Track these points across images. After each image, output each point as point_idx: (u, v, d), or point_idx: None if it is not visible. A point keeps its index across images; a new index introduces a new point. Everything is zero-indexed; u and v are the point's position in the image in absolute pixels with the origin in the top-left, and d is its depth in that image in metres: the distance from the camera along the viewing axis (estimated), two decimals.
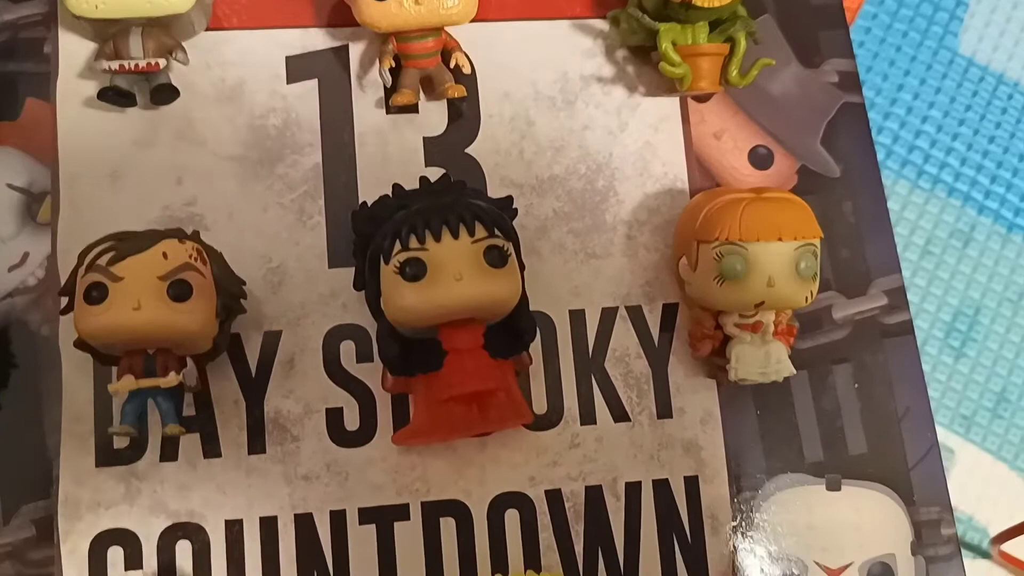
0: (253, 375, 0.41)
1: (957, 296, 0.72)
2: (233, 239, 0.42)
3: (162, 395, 0.38)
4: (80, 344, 0.38)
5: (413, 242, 0.37)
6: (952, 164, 0.72)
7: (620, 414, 0.43)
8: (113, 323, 0.36)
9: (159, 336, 0.37)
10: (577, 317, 0.44)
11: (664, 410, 0.44)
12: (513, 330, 0.40)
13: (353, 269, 0.41)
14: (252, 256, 0.42)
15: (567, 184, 0.45)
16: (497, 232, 0.38)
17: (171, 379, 0.37)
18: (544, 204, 0.45)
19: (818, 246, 0.41)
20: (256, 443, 0.41)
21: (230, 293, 0.39)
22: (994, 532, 0.68)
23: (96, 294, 0.36)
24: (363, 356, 0.42)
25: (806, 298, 0.41)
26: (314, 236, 0.43)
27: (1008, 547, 0.66)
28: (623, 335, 0.44)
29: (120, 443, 0.40)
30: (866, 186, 0.48)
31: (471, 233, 0.38)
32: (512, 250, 0.39)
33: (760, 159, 0.47)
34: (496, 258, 0.38)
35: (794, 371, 0.42)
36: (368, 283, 0.39)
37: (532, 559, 0.41)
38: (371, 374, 0.42)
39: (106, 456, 0.40)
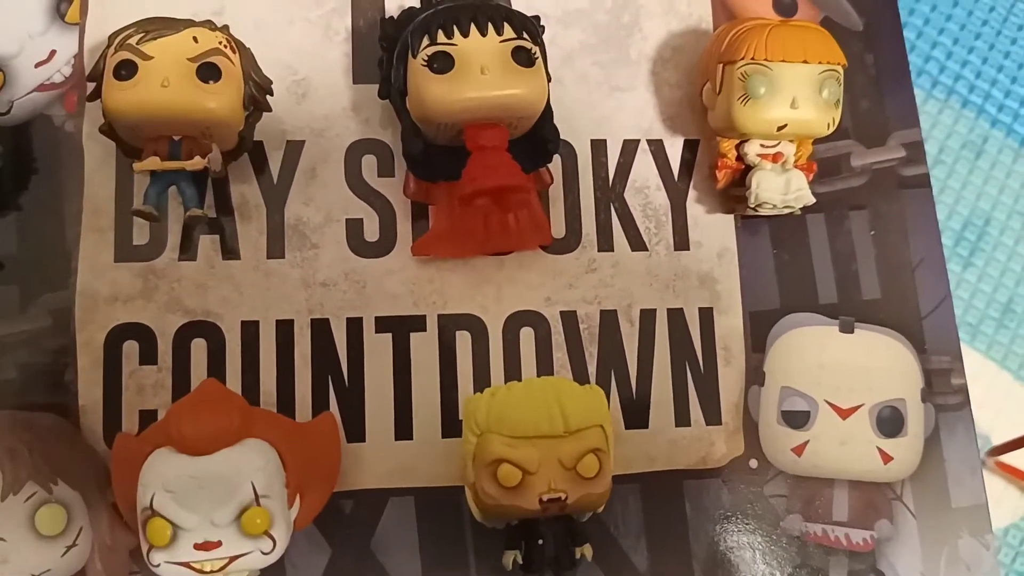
0: (275, 182, 0.41)
1: (967, 206, 0.73)
2: (259, 50, 0.41)
3: (185, 180, 0.38)
4: (106, 130, 0.38)
5: (441, 37, 0.37)
6: (967, 76, 0.72)
7: (637, 243, 0.43)
8: (141, 99, 0.36)
9: (186, 116, 0.37)
10: (599, 147, 0.44)
11: (681, 242, 0.44)
12: (537, 141, 0.40)
13: (375, 87, 0.42)
14: (277, 67, 0.42)
15: (593, 17, 0.45)
16: (525, 36, 0.39)
17: (196, 162, 0.37)
18: (569, 35, 0.45)
19: (841, 74, 0.41)
20: (275, 247, 0.41)
21: (257, 85, 0.39)
22: (996, 440, 0.68)
23: (125, 72, 0.36)
24: (384, 171, 0.42)
25: (828, 124, 0.41)
26: (339, 52, 0.43)
27: (1006, 458, 0.66)
28: (643, 167, 0.44)
29: (140, 236, 0.40)
30: (888, 40, 0.48)
31: (499, 32, 0.38)
32: (540, 55, 0.39)
33: (784, 7, 0.47)
34: (524, 59, 0.38)
35: (813, 199, 0.42)
36: (394, 81, 0.39)
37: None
38: (392, 188, 0.42)
39: (125, 252, 0.40)
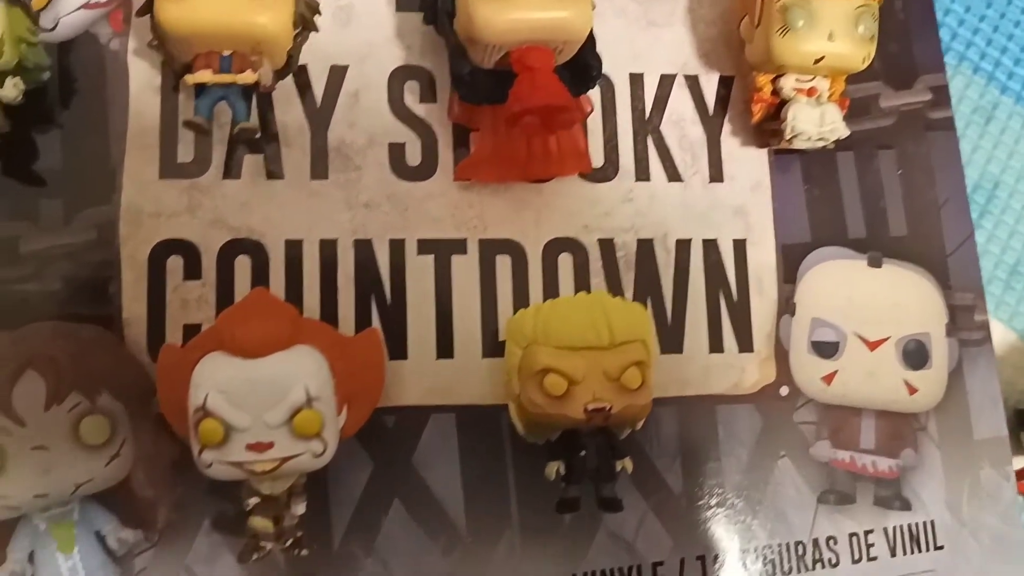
0: (318, 105, 0.42)
1: (977, 169, 0.74)
2: None
3: (235, 94, 0.38)
4: (155, 45, 0.38)
5: None
6: (978, 44, 0.74)
7: (673, 175, 0.44)
8: (194, 13, 0.36)
9: (238, 31, 0.37)
10: (636, 80, 0.44)
11: (716, 174, 0.45)
12: (579, 68, 0.40)
13: (417, 14, 0.42)
14: None
15: None
16: None
17: (248, 76, 0.37)
18: None
19: (876, 10, 0.42)
20: (319, 168, 0.41)
21: (307, 4, 0.39)
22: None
23: None
24: (426, 96, 0.42)
25: (863, 59, 0.42)
26: None
27: None
28: (680, 101, 0.45)
29: (185, 154, 0.40)
30: None
31: None
32: None
33: None
34: None
35: (847, 132, 0.43)
36: (442, 2, 0.39)
37: None
38: (433, 113, 0.42)
39: (169, 169, 0.40)
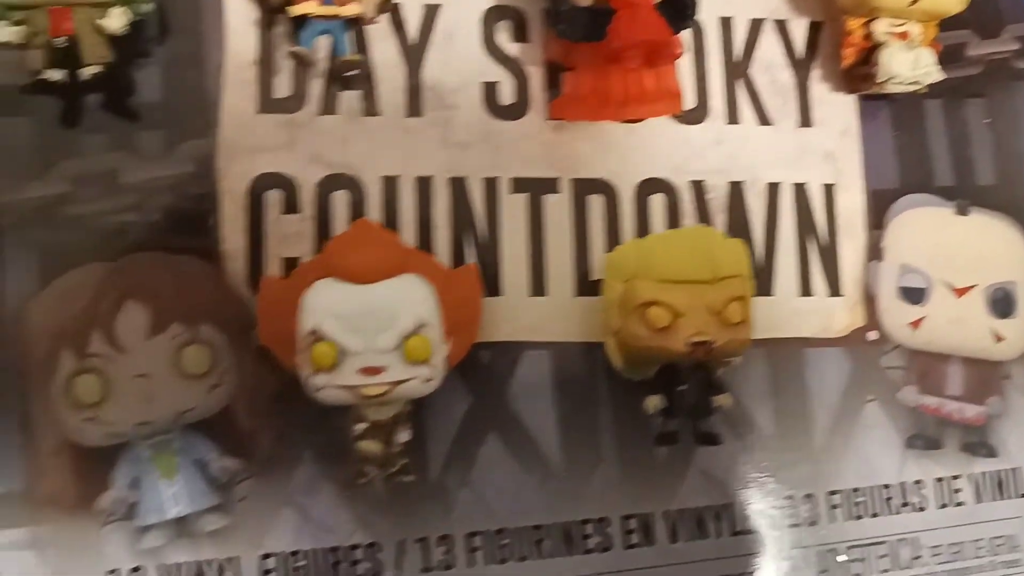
0: (413, 43, 0.41)
1: None
2: None
3: (338, 27, 0.38)
4: None
5: None
6: None
7: (763, 118, 0.44)
8: None
9: None
10: (726, 24, 0.44)
11: (805, 119, 0.44)
12: (676, 5, 0.40)
13: None
14: None
15: None
16: None
17: (352, 7, 0.38)
18: None
19: None
20: (414, 106, 0.41)
21: None
22: None
23: None
24: (519, 36, 0.42)
25: (958, 1, 0.42)
26: None
27: None
28: (769, 44, 0.45)
29: (282, 89, 0.40)
30: None
31: None
32: None
33: None
34: None
35: (941, 75, 0.43)
36: None
37: None
38: (526, 53, 0.42)
39: (267, 104, 0.40)
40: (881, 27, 0.43)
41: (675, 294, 0.36)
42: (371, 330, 0.34)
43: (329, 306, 0.34)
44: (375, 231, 0.37)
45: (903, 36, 0.43)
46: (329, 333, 0.34)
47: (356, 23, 0.39)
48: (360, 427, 0.36)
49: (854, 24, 0.43)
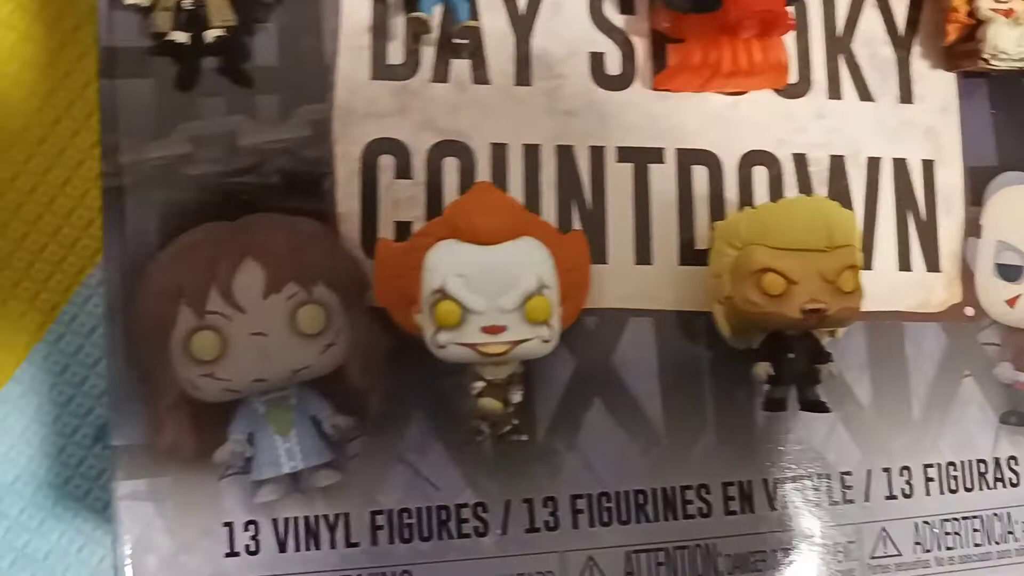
0: (522, 12, 0.42)
1: None
2: None
3: None
4: None
5: None
6: None
7: (865, 93, 0.44)
8: None
9: None
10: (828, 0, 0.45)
11: (906, 95, 0.45)
12: None
13: None
14: None
15: None
16: None
17: None
18: None
19: None
20: (523, 75, 0.42)
21: None
22: None
23: None
24: (625, 7, 0.43)
25: None
26: None
27: None
28: (870, 20, 0.45)
29: (395, 56, 0.41)
30: None
31: None
32: None
33: None
34: None
35: None
36: None
37: None
38: (632, 24, 0.43)
39: (380, 70, 0.41)
40: (986, 3, 0.43)
41: (790, 261, 0.37)
42: (494, 290, 0.35)
43: (453, 266, 0.35)
44: (496, 194, 0.37)
45: (1008, 13, 0.43)
46: (454, 292, 0.34)
47: None
48: (479, 385, 0.36)
49: (958, 0, 0.43)
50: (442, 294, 0.35)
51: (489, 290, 0.35)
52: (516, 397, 0.37)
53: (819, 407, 0.39)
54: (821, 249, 0.37)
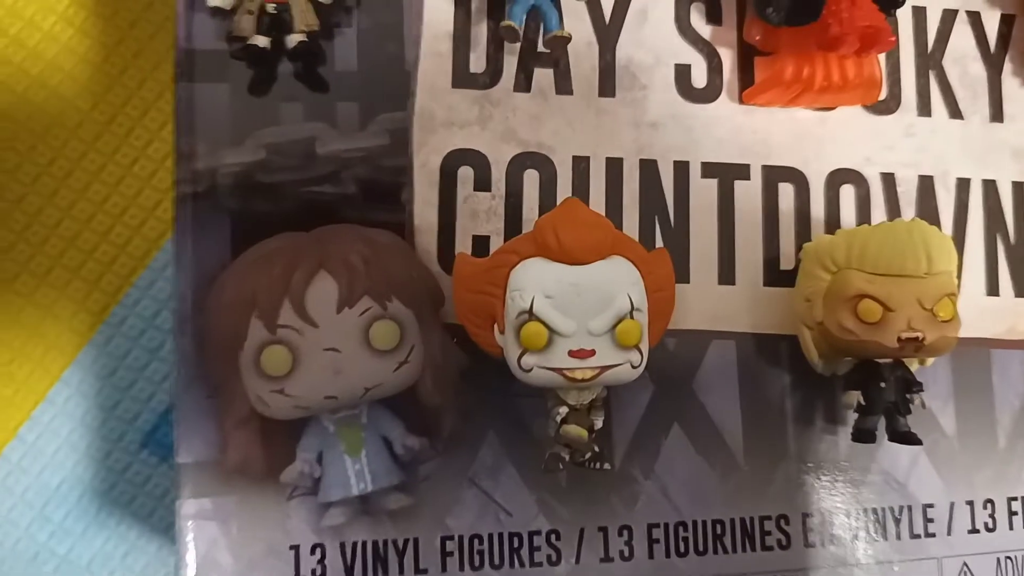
0: (607, 21, 0.41)
1: None
2: None
3: (547, 1, 0.38)
4: None
5: None
6: None
7: (954, 111, 0.43)
8: None
9: None
10: (919, 14, 0.43)
11: (996, 114, 0.43)
12: None
13: None
14: None
15: None
16: None
17: None
18: None
19: None
20: (607, 86, 0.40)
21: None
22: None
23: None
24: (712, 18, 0.42)
25: None
26: None
27: None
28: (962, 37, 0.43)
29: (477, 64, 0.39)
30: None
31: None
32: None
33: None
34: None
35: None
36: None
37: None
38: (719, 35, 0.41)
39: (462, 79, 0.39)
40: None
41: (888, 288, 0.36)
42: (584, 312, 0.33)
43: (541, 285, 0.34)
44: (585, 211, 0.36)
45: None
46: (541, 313, 0.33)
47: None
48: (562, 411, 0.35)
49: None
50: (529, 315, 0.33)
51: (578, 312, 0.34)
52: (598, 423, 0.36)
53: (910, 439, 0.37)
54: (919, 275, 0.36)
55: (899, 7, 0.39)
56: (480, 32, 0.40)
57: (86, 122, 0.48)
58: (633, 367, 0.34)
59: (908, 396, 0.37)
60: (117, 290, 0.49)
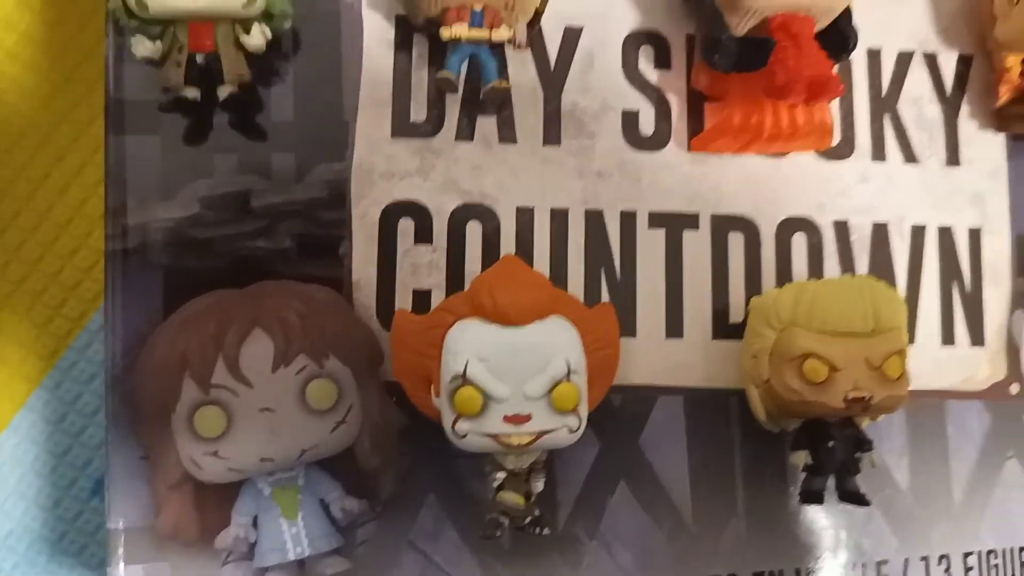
0: (552, 67, 0.40)
1: None
2: None
3: (486, 51, 0.37)
4: None
5: None
6: None
7: (910, 155, 0.42)
8: None
9: None
10: (874, 57, 0.42)
11: (953, 157, 0.42)
12: (836, 37, 0.38)
13: None
14: None
15: None
16: None
17: (502, 32, 0.36)
18: None
19: None
20: (551, 134, 0.39)
21: None
22: None
23: None
24: (661, 62, 0.41)
25: None
26: None
27: None
28: (918, 80, 0.43)
29: (418, 113, 0.38)
30: None
31: None
32: None
33: None
34: None
35: None
36: None
37: None
38: (668, 81, 0.40)
39: (402, 127, 0.39)
40: None
41: (834, 347, 0.35)
42: (519, 376, 0.33)
43: (476, 348, 0.33)
44: (523, 269, 0.35)
45: None
46: (476, 378, 0.32)
47: (502, 47, 0.37)
48: (500, 476, 0.34)
49: (1012, 61, 0.41)
50: (463, 380, 0.32)
51: (514, 376, 0.33)
52: (538, 486, 0.35)
53: (858, 500, 0.36)
54: (866, 333, 0.35)
55: (848, 54, 0.38)
56: (421, 79, 0.39)
57: (18, 180, 0.47)
58: (571, 431, 0.33)
59: (858, 455, 0.37)
60: (67, 333, 0.48)
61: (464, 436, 0.33)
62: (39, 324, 0.47)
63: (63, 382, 0.48)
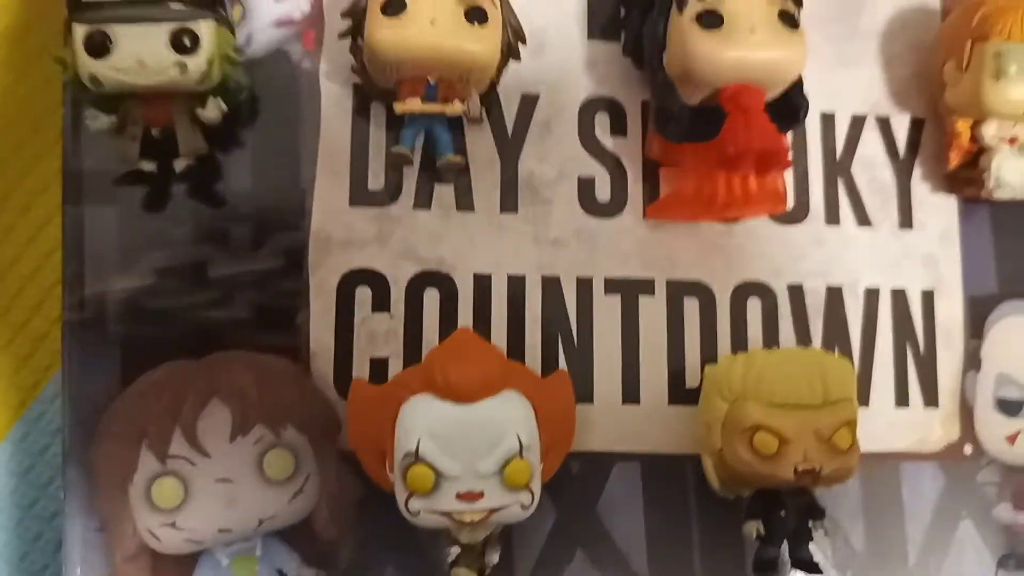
0: (509, 135, 0.40)
1: None
2: None
3: (440, 125, 0.37)
4: (358, 68, 0.37)
5: None
6: None
7: (863, 219, 0.43)
8: (408, 36, 0.35)
9: (451, 58, 0.36)
10: (827, 121, 0.43)
11: (905, 220, 0.43)
12: (787, 107, 0.39)
13: (609, 43, 0.41)
14: None
15: None
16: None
17: (456, 107, 0.36)
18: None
19: None
20: (508, 201, 0.40)
21: (514, 32, 0.38)
22: None
23: (392, 8, 0.35)
24: (617, 129, 0.41)
25: None
26: (574, 5, 0.41)
27: None
28: (871, 143, 0.43)
29: (375, 181, 0.39)
30: None
31: None
32: (799, 17, 0.38)
33: None
34: (789, 20, 0.37)
35: None
36: (651, 35, 0.38)
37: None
38: (624, 148, 0.41)
39: (360, 196, 0.39)
40: (991, 131, 0.41)
41: (784, 419, 0.35)
42: (471, 454, 0.33)
43: (428, 426, 0.33)
44: (476, 343, 0.35)
45: (1012, 141, 0.42)
46: (428, 456, 0.32)
47: (459, 118, 0.38)
48: (453, 551, 0.34)
49: (962, 126, 0.42)
50: (415, 458, 0.33)
51: (466, 453, 0.33)
52: (493, 559, 0.35)
53: (811, 568, 0.37)
54: (816, 405, 0.35)
55: (799, 124, 0.39)
56: (379, 147, 0.39)
57: None
58: (523, 508, 0.34)
59: (811, 524, 0.37)
60: (35, 385, 0.48)
61: (417, 514, 0.33)
62: (6, 375, 0.47)
63: (30, 433, 0.48)
